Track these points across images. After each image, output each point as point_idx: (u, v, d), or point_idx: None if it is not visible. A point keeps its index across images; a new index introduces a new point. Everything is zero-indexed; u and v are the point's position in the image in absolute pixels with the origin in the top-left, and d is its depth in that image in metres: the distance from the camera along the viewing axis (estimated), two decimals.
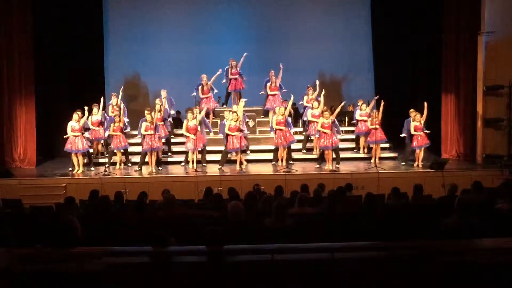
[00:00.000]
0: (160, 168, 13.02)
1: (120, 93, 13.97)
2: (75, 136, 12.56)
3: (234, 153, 13.13)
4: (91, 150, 13.59)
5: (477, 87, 13.60)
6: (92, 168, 13.05)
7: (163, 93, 14.36)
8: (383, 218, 6.58)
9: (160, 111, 13.20)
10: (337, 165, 12.80)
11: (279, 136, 12.97)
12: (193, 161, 12.89)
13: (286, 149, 13.13)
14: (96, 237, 5.65)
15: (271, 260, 4.23)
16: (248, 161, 13.46)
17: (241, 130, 12.84)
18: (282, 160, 13.12)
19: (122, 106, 13.65)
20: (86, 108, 13.00)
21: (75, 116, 12.63)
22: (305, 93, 14.58)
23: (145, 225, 6.40)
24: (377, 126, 13.15)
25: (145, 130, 12.63)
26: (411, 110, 13.05)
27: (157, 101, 13.74)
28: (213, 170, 12.83)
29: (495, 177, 11.86)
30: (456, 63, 14.14)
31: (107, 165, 12.93)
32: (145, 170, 12.77)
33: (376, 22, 16.59)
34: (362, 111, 13.81)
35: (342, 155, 13.39)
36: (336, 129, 12.89)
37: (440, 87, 14.49)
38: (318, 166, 12.91)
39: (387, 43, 16.05)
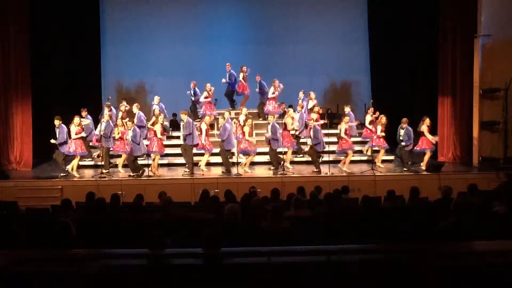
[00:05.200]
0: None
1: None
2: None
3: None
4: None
5: (473, 90, 13.64)
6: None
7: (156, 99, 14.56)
8: (380, 221, 6.58)
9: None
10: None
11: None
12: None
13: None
14: (92, 239, 5.65)
15: (267, 262, 4.23)
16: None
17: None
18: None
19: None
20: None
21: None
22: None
23: (142, 227, 6.39)
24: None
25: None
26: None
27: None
28: (212, 172, 12.83)
29: (491, 180, 11.88)
30: (452, 66, 14.17)
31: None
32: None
33: (373, 25, 16.61)
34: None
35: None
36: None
37: (437, 90, 14.52)
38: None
39: (384, 46, 16.07)
